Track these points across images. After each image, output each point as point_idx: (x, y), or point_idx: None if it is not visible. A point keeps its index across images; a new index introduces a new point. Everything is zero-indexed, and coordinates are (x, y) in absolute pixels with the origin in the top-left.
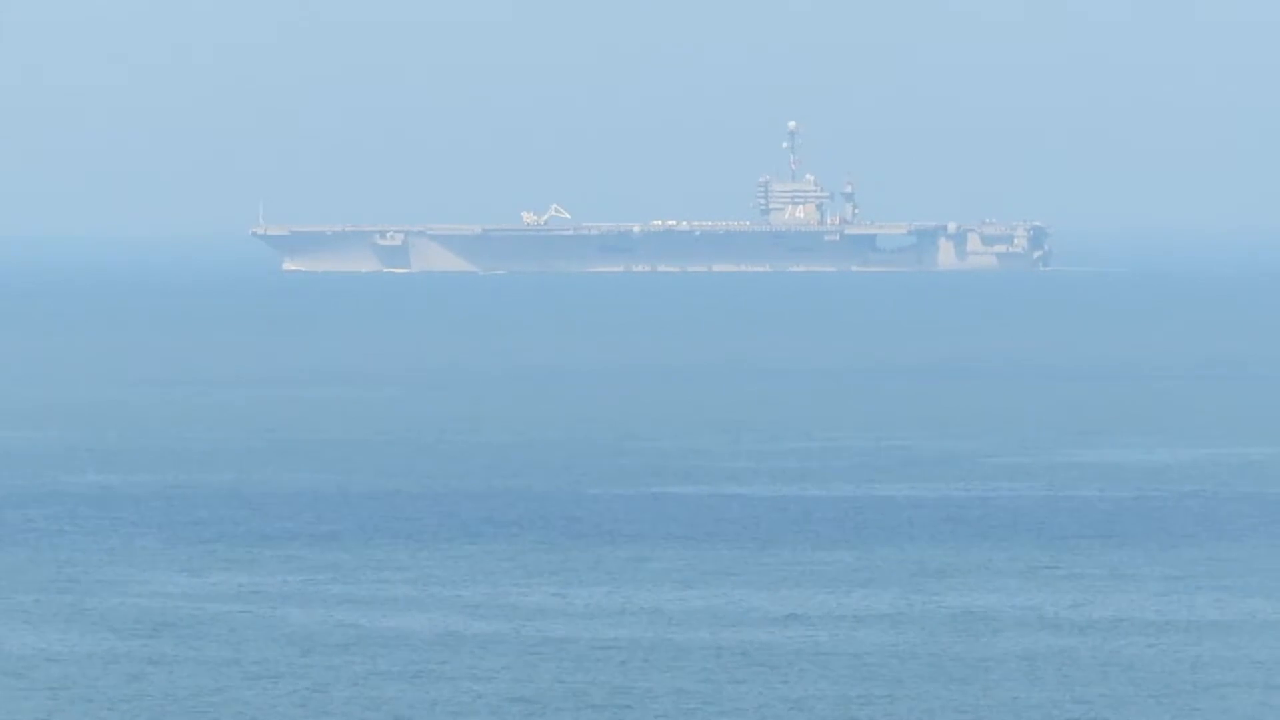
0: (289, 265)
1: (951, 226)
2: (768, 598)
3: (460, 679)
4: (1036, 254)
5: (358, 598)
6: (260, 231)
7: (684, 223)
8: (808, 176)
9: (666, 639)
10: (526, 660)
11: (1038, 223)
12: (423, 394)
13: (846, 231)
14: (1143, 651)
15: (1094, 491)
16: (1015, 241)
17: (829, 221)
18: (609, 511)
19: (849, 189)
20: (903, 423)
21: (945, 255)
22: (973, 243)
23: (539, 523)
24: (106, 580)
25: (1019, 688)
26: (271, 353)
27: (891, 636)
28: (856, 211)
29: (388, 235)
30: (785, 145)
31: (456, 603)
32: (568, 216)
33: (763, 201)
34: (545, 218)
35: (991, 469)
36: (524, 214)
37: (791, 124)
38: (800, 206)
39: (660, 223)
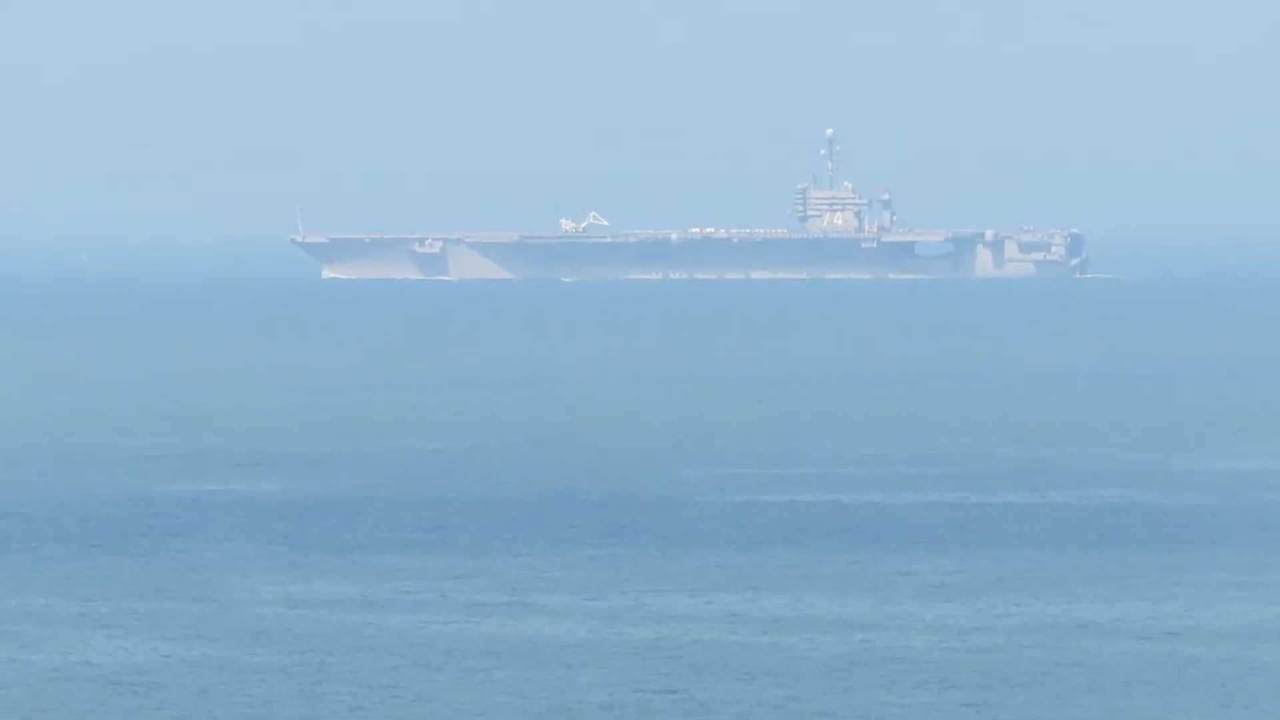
0: (328, 272)
1: (989, 234)
2: (861, 604)
3: (561, 687)
4: (1074, 261)
5: (456, 604)
6: (300, 239)
7: (721, 230)
8: (845, 184)
9: (772, 644)
10: (632, 667)
11: (1075, 230)
12: (499, 399)
13: (884, 239)
14: (1244, 659)
15: (1198, 498)
16: (1053, 249)
17: (866, 229)
18: (707, 517)
19: (886, 196)
20: (986, 429)
21: (983, 262)
22: (1010, 250)
23: (635, 529)
24: (199, 587)
25: (1124, 697)
26: (340, 359)
27: (986, 642)
28: (894, 219)
29: (426, 243)
30: (823, 152)
31: (556, 609)
32: (605, 224)
33: (800, 209)
34: (583, 225)
35: (1078, 476)
36: (562, 221)
37: (829, 131)
38: (838, 214)
39: (698, 230)
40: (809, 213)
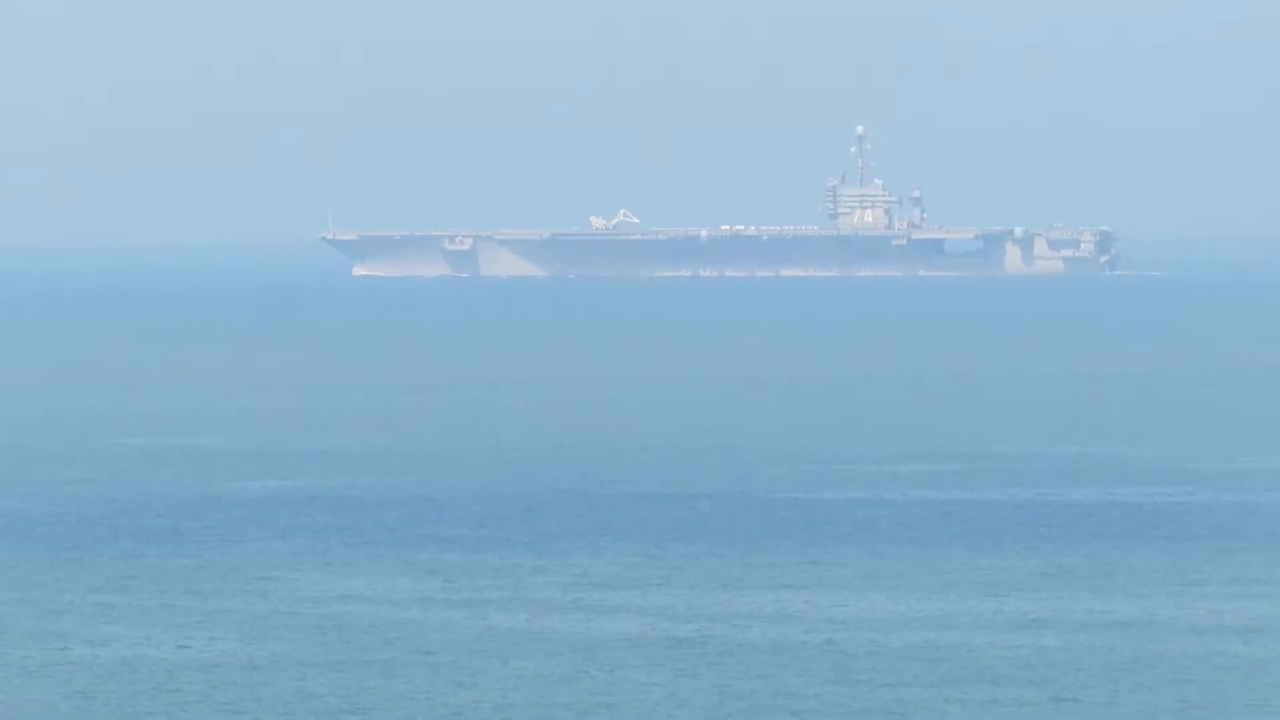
0: (359, 270)
1: (1018, 231)
2: (920, 601)
3: (618, 683)
4: (1103, 258)
5: (510, 600)
6: (330, 236)
7: (751, 227)
8: (875, 181)
9: (830, 641)
10: (689, 663)
11: (1104, 227)
12: (565, 398)
13: (914, 236)
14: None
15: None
16: (1082, 246)
17: (896, 226)
18: (762, 514)
19: (916, 194)
20: (1030, 427)
21: (1012, 260)
22: (1039, 247)
23: (688, 527)
24: (253, 584)
25: (1182, 695)
26: (381, 358)
27: (1050, 639)
28: (924, 216)
29: (456, 240)
30: (853, 150)
31: (612, 606)
32: (636, 221)
33: (830, 206)
34: (613, 223)
35: (1138, 474)
36: (592, 219)
37: (859, 129)
38: (868, 211)
39: (728, 227)
40: (839, 210)
